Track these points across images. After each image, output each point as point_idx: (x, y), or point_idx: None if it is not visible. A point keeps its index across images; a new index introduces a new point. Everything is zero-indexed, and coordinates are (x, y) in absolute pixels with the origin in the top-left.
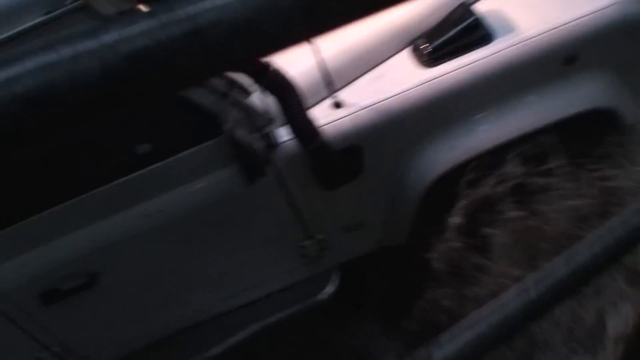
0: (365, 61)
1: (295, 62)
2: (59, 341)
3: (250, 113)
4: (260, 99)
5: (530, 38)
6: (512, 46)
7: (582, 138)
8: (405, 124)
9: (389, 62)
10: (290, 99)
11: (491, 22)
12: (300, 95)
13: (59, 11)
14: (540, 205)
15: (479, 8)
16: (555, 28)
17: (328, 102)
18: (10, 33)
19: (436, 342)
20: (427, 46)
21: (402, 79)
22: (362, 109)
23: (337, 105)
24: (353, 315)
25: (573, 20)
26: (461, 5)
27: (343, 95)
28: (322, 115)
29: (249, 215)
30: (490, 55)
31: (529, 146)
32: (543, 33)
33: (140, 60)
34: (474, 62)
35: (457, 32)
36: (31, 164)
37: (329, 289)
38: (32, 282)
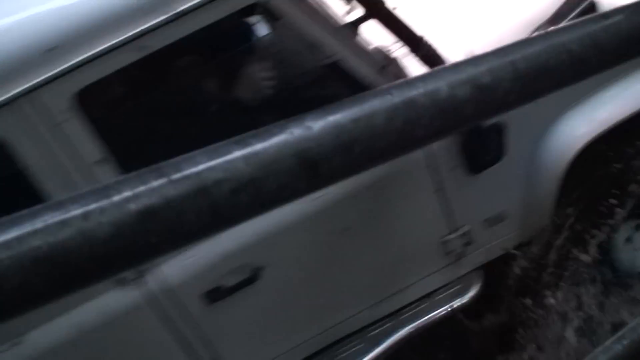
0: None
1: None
2: (211, 352)
3: None
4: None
5: None
6: None
7: None
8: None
9: None
10: None
11: (603, 5)
12: None
13: None
14: None
15: None
16: None
17: None
18: (172, 13)
19: None
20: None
21: None
22: None
23: None
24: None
25: None
26: None
27: None
28: None
29: (397, 204)
30: None
31: None
32: None
33: (149, 218)
34: None
35: (575, 17)
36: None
37: (471, 293)
38: (198, 279)
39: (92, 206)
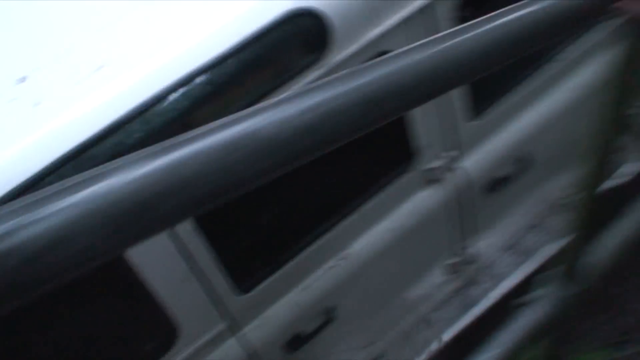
0: None
1: None
2: (469, 245)
3: None
4: None
5: None
6: None
7: None
8: None
9: None
10: None
11: None
12: None
13: None
14: None
15: None
16: None
17: None
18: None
19: None
20: None
21: None
22: None
23: None
24: None
25: None
26: None
27: None
28: None
29: None
30: None
31: None
32: None
33: None
34: None
35: None
36: None
37: None
38: (488, 171)
39: None
